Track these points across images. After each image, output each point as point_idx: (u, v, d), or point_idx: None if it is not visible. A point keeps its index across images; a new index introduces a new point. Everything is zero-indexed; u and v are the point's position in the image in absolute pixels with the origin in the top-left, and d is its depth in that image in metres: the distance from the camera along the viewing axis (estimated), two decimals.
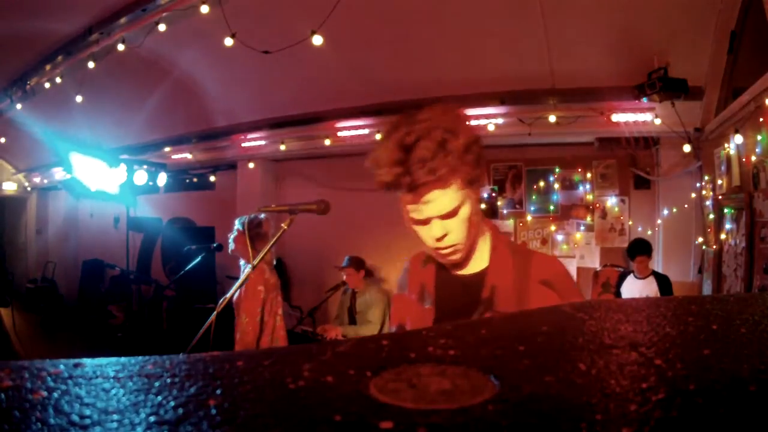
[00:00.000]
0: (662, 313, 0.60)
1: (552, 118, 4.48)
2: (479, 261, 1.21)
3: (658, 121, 4.24)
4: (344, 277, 4.70)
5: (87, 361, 0.43)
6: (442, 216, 1.09)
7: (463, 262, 1.20)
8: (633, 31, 3.89)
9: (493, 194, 5.25)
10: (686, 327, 0.53)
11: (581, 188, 5.06)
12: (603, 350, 0.45)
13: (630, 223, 4.85)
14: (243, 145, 6.33)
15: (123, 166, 5.64)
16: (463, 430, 0.32)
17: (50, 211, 10.04)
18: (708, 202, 4.19)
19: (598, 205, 4.97)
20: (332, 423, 0.33)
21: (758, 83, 2.94)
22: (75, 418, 0.33)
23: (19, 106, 6.33)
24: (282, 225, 1.79)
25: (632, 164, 4.80)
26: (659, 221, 4.64)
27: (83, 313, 7.88)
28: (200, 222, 7.37)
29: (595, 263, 4.92)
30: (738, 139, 3.34)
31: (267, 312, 2.81)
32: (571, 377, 0.39)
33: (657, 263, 4.45)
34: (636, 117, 4.34)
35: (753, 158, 3.16)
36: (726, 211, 3.75)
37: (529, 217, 5.22)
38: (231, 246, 2.99)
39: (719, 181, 3.86)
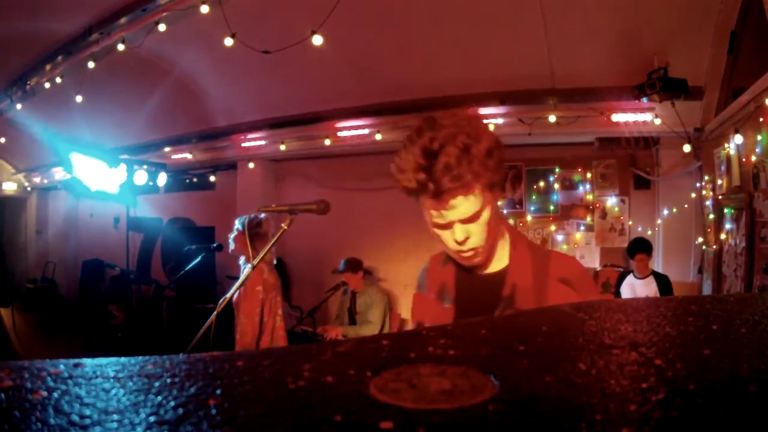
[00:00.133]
0: (662, 313, 0.60)
1: (552, 118, 4.48)
2: (499, 260, 1.23)
3: (658, 121, 4.24)
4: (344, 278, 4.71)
5: (87, 361, 0.43)
6: (464, 220, 1.10)
7: (484, 263, 1.22)
8: (633, 31, 3.89)
9: None
10: (686, 327, 0.53)
11: (581, 188, 5.06)
12: (603, 350, 0.45)
13: (630, 223, 4.85)
14: (243, 145, 6.33)
15: (123, 166, 5.64)
16: (463, 430, 0.32)
17: (50, 211, 10.04)
18: (708, 202, 4.19)
19: (598, 205, 4.97)
20: (332, 423, 0.33)
21: (758, 83, 2.94)
22: (75, 418, 0.33)
23: (19, 106, 6.33)
24: (282, 225, 1.79)
25: (632, 164, 4.80)
26: (659, 221, 4.64)
27: (83, 313, 7.88)
28: (200, 222, 7.38)
29: (595, 263, 4.92)
30: (738, 139, 3.34)
31: (266, 312, 2.81)
32: (571, 377, 0.39)
33: (657, 263, 4.45)
34: (636, 117, 4.34)
35: (753, 158, 3.16)
36: (726, 211, 3.75)
37: (529, 217, 5.23)
38: (231, 246, 2.99)
39: (719, 181, 3.86)
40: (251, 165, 6.44)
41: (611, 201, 4.92)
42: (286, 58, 4.13)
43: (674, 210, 4.55)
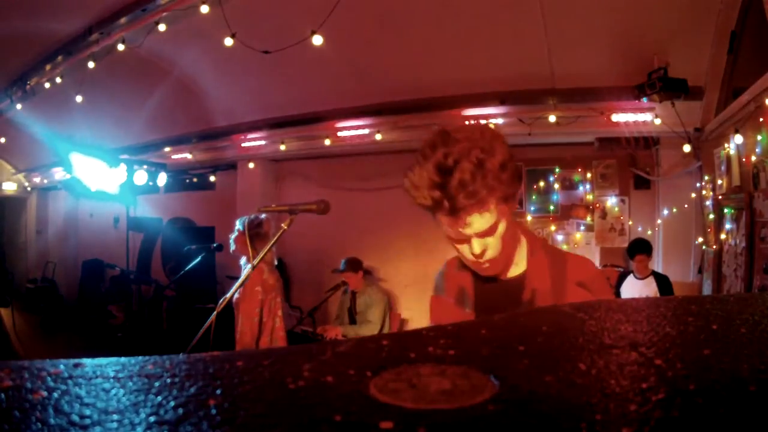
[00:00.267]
0: (662, 313, 0.60)
1: (552, 118, 4.48)
2: (517, 266, 1.24)
3: (658, 121, 4.24)
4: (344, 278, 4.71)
5: (87, 361, 0.43)
6: (481, 234, 1.10)
7: (502, 271, 1.22)
8: (633, 31, 3.89)
9: None
10: (686, 327, 0.53)
11: (581, 188, 5.06)
12: (603, 350, 0.45)
13: (630, 223, 4.85)
14: (243, 145, 6.33)
15: (123, 166, 5.64)
16: (463, 430, 0.32)
17: (50, 211, 10.03)
18: (708, 202, 4.19)
19: (598, 205, 4.97)
20: (332, 423, 0.33)
21: (758, 83, 2.94)
22: (75, 418, 0.33)
23: (19, 106, 6.33)
24: (282, 225, 1.79)
25: (632, 164, 4.80)
26: (659, 221, 4.64)
27: (83, 313, 7.88)
28: (200, 222, 7.37)
29: (594, 263, 4.92)
30: (738, 139, 3.34)
31: (266, 313, 2.81)
32: (571, 377, 0.39)
33: (657, 263, 4.45)
34: (636, 117, 4.34)
35: (753, 158, 3.16)
36: (726, 211, 3.75)
37: (529, 217, 5.22)
38: (232, 246, 2.99)
39: (719, 181, 3.86)
40: (251, 165, 6.44)
41: (611, 201, 4.92)
42: (286, 58, 4.13)
43: (674, 210, 4.55)
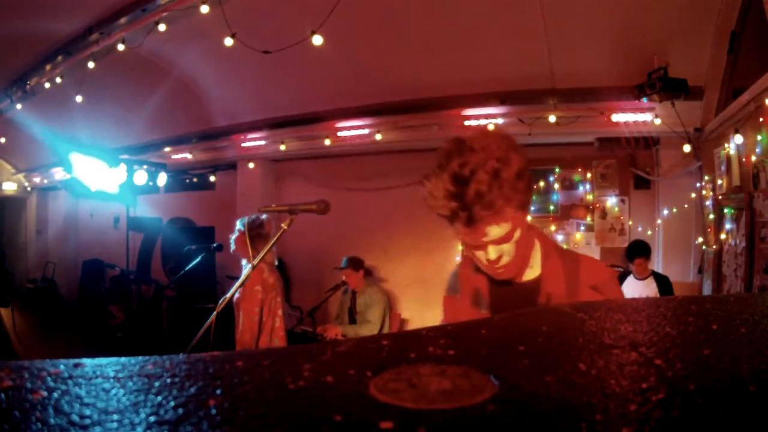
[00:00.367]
0: (662, 313, 0.60)
1: (552, 118, 4.48)
2: (531, 269, 1.26)
3: (658, 121, 4.24)
4: (344, 277, 4.71)
5: (87, 361, 0.43)
6: (497, 241, 1.13)
7: (517, 274, 1.24)
8: (633, 31, 3.88)
9: None
10: (686, 327, 0.53)
11: (581, 188, 5.06)
12: (603, 350, 0.45)
13: (630, 223, 4.85)
14: (243, 145, 6.33)
15: (123, 166, 5.64)
16: (463, 430, 0.32)
17: (50, 211, 10.04)
18: (708, 202, 4.19)
19: (598, 205, 4.97)
20: (332, 423, 0.33)
21: (758, 83, 2.94)
22: (75, 418, 0.33)
23: (19, 106, 6.33)
24: (282, 225, 1.79)
25: (632, 164, 4.80)
26: (659, 221, 4.63)
27: (83, 313, 7.88)
28: (200, 222, 7.37)
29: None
30: (738, 139, 3.34)
31: (266, 312, 2.81)
32: (571, 377, 0.39)
33: (657, 263, 4.44)
34: (636, 117, 4.33)
35: (753, 158, 3.16)
36: (726, 211, 3.75)
37: (529, 218, 5.21)
38: (232, 246, 2.99)
39: (719, 181, 3.86)
40: (251, 165, 6.44)
41: (611, 201, 4.92)
42: (286, 58, 4.13)
43: (674, 210, 4.55)
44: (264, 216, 2.92)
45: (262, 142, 6.17)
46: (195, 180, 7.49)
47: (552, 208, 5.16)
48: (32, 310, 8.11)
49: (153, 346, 5.53)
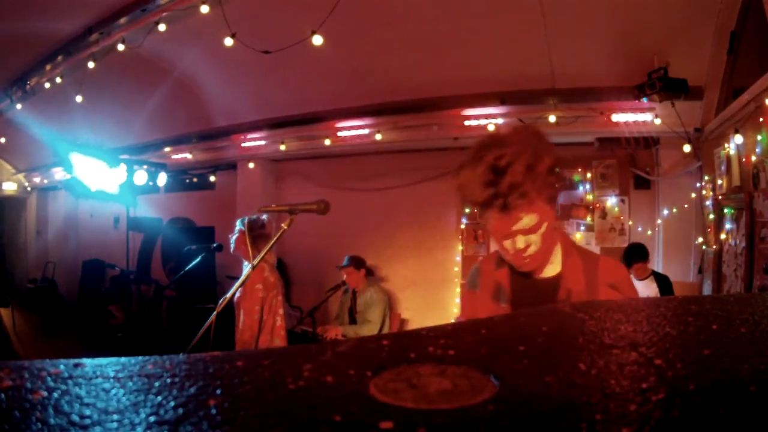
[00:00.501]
0: (662, 313, 0.60)
1: (552, 118, 4.48)
2: (552, 266, 1.31)
3: (658, 121, 4.24)
4: (345, 277, 4.70)
5: (87, 361, 0.43)
6: (526, 231, 1.20)
7: (538, 268, 1.30)
8: (633, 31, 3.88)
9: None
10: (686, 327, 0.53)
11: (581, 188, 5.06)
12: (603, 350, 0.45)
13: (630, 223, 4.85)
14: (243, 145, 6.33)
15: (123, 166, 5.64)
16: (463, 430, 0.32)
17: (50, 211, 10.04)
18: (708, 202, 4.19)
19: (598, 205, 4.97)
20: (332, 423, 0.33)
21: (758, 83, 2.94)
22: (75, 418, 0.33)
23: (19, 106, 6.33)
24: (282, 225, 1.79)
25: (632, 164, 4.80)
26: (659, 221, 4.63)
27: (83, 313, 7.88)
28: (200, 222, 7.37)
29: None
30: (738, 139, 3.34)
31: (266, 311, 2.81)
32: (571, 377, 0.39)
33: (657, 263, 4.44)
34: (636, 117, 4.33)
35: (753, 158, 3.16)
36: (726, 211, 3.75)
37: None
38: (232, 246, 2.99)
39: (719, 181, 3.86)
40: (251, 165, 6.44)
41: (611, 201, 4.92)
42: (286, 58, 4.13)
43: (674, 210, 4.55)
44: (265, 216, 2.92)
45: (262, 142, 6.17)
46: (195, 180, 7.49)
47: None
48: (32, 310, 8.11)
49: (153, 346, 5.53)
